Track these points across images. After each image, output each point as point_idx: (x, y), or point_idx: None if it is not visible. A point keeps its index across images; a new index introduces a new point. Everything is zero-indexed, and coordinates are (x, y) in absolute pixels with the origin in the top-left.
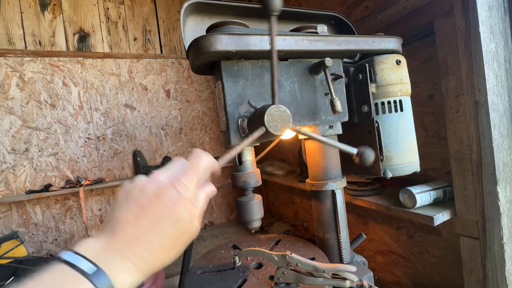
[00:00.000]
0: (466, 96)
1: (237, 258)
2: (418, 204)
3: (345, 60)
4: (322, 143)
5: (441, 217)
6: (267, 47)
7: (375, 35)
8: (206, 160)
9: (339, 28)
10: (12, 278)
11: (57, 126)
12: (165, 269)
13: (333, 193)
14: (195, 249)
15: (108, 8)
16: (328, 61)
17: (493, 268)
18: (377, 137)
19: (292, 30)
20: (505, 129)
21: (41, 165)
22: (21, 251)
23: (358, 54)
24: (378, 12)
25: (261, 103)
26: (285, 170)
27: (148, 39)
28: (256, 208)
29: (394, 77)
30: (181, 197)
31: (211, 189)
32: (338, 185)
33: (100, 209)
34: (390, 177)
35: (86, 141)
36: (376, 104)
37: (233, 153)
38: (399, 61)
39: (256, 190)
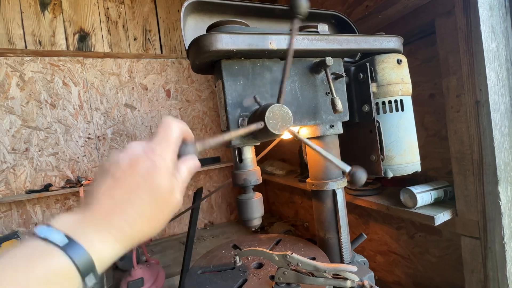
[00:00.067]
0: (467, 95)
1: (237, 258)
2: (419, 204)
3: (345, 59)
4: (321, 143)
5: (442, 217)
6: (267, 46)
7: (376, 34)
8: (176, 127)
9: (340, 27)
10: None
11: (57, 125)
12: (165, 269)
13: (333, 192)
14: (195, 249)
15: (108, 8)
16: (329, 60)
17: (494, 268)
18: (378, 137)
19: None
20: (506, 128)
21: (41, 165)
22: None
23: (359, 53)
24: (379, 12)
25: (261, 102)
26: (286, 170)
27: (148, 38)
28: (256, 206)
29: (395, 76)
30: (156, 167)
31: (194, 163)
32: (338, 185)
33: None
34: (391, 177)
35: (86, 141)
36: (377, 104)
37: (224, 138)
38: (400, 61)
39: (256, 189)
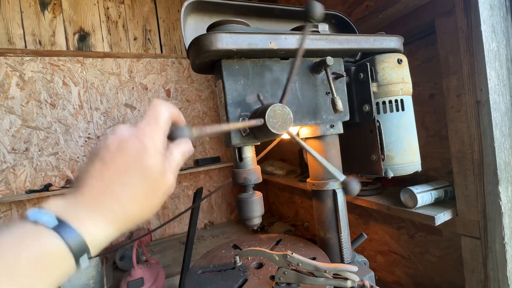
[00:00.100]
0: (468, 95)
1: (237, 258)
2: (419, 204)
3: (346, 59)
4: (321, 143)
5: (442, 217)
6: (268, 46)
7: (376, 34)
8: (166, 109)
9: (340, 27)
10: None
11: (57, 125)
12: (165, 269)
13: (334, 192)
14: (195, 249)
15: (108, 8)
16: (329, 60)
17: (495, 268)
18: (378, 136)
19: (293, 29)
20: (506, 128)
21: (41, 165)
22: None
23: (359, 53)
24: (379, 11)
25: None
26: (286, 169)
27: (148, 38)
28: (256, 204)
29: (396, 76)
30: (145, 147)
31: (187, 147)
32: (339, 185)
33: None
34: (391, 177)
35: (86, 141)
36: (377, 103)
37: (222, 128)
38: (401, 60)
39: (256, 189)
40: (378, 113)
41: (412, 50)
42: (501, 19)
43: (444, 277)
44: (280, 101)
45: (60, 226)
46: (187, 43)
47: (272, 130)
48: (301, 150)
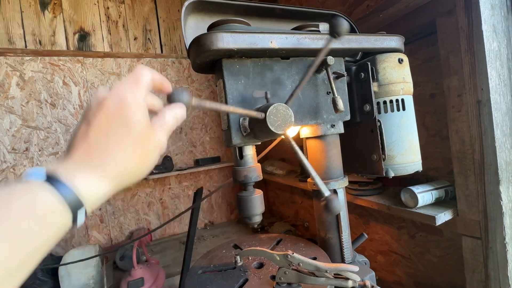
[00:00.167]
0: (469, 95)
1: (238, 257)
2: (420, 203)
3: (347, 58)
4: (322, 142)
5: (443, 216)
6: (268, 45)
7: (377, 33)
8: (148, 71)
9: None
10: None
11: (57, 125)
12: (165, 269)
13: (335, 192)
14: (196, 249)
15: (108, 8)
16: (330, 59)
17: (495, 268)
18: (379, 136)
19: (293, 29)
20: (507, 128)
21: (41, 165)
22: None
23: (360, 52)
24: (380, 11)
25: (262, 101)
26: (286, 169)
27: (148, 38)
28: (257, 202)
29: (396, 75)
30: (124, 101)
31: (180, 111)
32: (340, 185)
33: (100, 209)
34: (392, 177)
35: None
36: (378, 103)
37: (222, 107)
38: (401, 60)
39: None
40: (379, 112)
41: (413, 49)
42: (502, 19)
43: (445, 277)
44: (286, 102)
45: (50, 180)
46: (188, 43)
47: (270, 128)
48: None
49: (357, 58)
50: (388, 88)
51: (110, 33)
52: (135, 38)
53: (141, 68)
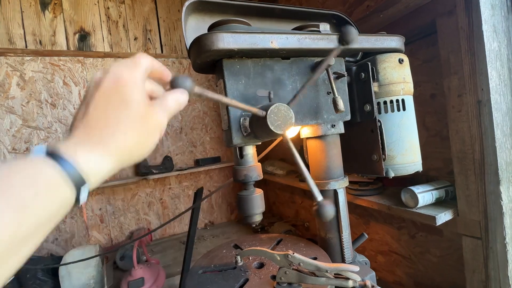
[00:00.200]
0: (469, 95)
1: (238, 257)
2: (420, 204)
3: (347, 59)
4: (322, 142)
5: (443, 216)
6: (269, 45)
7: (377, 33)
8: (147, 57)
9: (341, 27)
10: (13, 277)
11: (58, 125)
12: (165, 269)
13: (335, 192)
14: (196, 249)
15: (108, 8)
16: (331, 59)
17: (496, 268)
18: (379, 136)
19: (294, 29)
20: (508, 128)
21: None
22: None
23: (360, 53)
24: (380, 11)
25: (262, 101)
26: (286, 169)
27: (148, 38)
28: (257, 202)
29: (397, 76)
30: (123, 80)
31: (183, 96)
32: (340, 185)
33: (100, 209)
34: (392, 177)
35: None
36: (378, 103)
37: (223, 99)
38: (402, 60)
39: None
40: (379, 113)
41: (413, 50)
42: (502, 19)
43: (445, 277)
44: (288, 103)
45: (52, 156)
46: (188, 43)
47: (270, 126)
48: (301, 150)
49: (358, 58)
50: (389, 88)
51: (110, 33)
52: (135, 38)
53: (140, 54)
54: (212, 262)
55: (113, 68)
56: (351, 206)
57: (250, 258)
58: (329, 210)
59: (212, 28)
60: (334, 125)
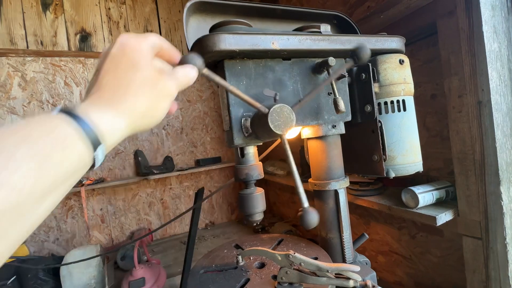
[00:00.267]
0: (469, 96)
1: (240, 257)
2: (421, 204)
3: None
4: (323, 143)
5: (443, 217)
6: (270, 46)
7: (378, 34)
8: (156, 35)
9: (342, 27)
10: (14, 277)
11: None
12: (166, 269)
13: (336, 192)
14: (196, 249)
15: (109, 8)
16: (332, 60)
17: (496, 268)
18: (380, 137)
19: (295, 30)
20: (508, 129)
21: None
22: (22, 251)
23: None
24: (381, 12)
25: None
26: (287, 170)
27: None
28: (258, 200)
29: (397, 76)
30: (131, 47)
31: (192, 71)
32: (341, 185)
33: (101, 209)
34: (393, 177)
35: None
36: (379, 104)
37: (229, 87)
38: (402, 61)
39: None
40: (380, 113)
41: (414, 50)
42: (503, 20)
43: (445, 277)
44: (292, 107)
45: (67, 113)
46: (190, 44)
47: (270, 124)
48: (302, 150)
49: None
50: (389, 89)
51: (111, 34)
52: None
53: (151, 34)
54: (214, 262)
55: (121, 37)
56: (352, 206)
57: (251, 258)
58: (313, 218)
59: (213, 29)
60: (335, 126)
